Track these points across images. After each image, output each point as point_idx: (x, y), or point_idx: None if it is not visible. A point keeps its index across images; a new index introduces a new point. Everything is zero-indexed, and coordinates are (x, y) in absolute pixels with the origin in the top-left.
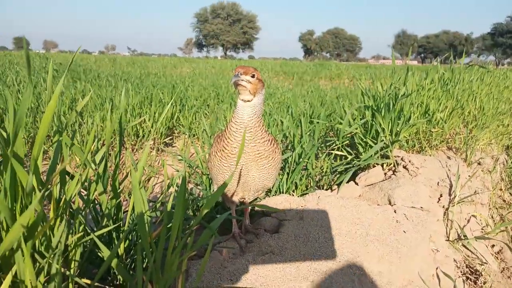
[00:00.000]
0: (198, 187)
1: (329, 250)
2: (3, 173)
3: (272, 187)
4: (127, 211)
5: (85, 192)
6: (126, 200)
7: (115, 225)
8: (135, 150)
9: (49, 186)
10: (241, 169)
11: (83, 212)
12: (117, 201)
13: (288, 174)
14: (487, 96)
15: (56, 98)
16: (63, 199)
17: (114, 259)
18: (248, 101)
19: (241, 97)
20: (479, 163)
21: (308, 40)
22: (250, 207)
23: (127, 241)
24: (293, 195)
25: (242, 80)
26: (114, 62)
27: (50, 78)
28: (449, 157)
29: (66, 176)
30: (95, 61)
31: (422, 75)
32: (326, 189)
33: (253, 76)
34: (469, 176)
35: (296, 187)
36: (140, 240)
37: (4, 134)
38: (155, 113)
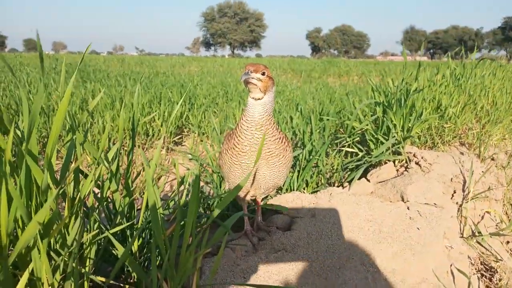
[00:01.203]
0: (209, 185)
1: (342, 247)
2: (18, 171)
3: (283, 185)
4: (139, 209)
5: (98, 190)
6: (137, 198)
7: (129, 223)
8: (145, 149)
9: (63, 185)
10: (251, 167)
11: (97, 210)
12: (131, 199)
13: (298, 171)
14: (499, 91)
15: (68, 95)
16: (77, 197)
17: (128, 257)
18: (259, 99)
19: (252, 95)
20: (492, 159)
21: (315, 38)
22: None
23: (141, 239)
24: (304, 193)
25: (252, 78)
26: (123, 62)
27: (62, 78)
28: (462, 153)
29: (80, 175)
30: (104, 61)
31: (433, 70)
32: (337, 186)
33: (263, 74)
34: (482, 171)
35: (307, 185)
36: (153, 238)
37: (18, 132)
38: (164, 112)
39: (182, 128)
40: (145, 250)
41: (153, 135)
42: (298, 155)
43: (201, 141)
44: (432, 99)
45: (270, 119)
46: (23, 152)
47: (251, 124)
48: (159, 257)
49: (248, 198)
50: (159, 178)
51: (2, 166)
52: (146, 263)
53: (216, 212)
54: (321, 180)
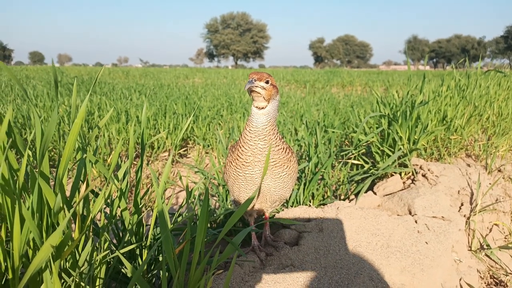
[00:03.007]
0: (214, 197)
1: (350, 262)
2: (29, 193)
3: (290, 198)
4: (147, 224)
5: (106, 206)
6: (143, 210)
7: (139, 242)
8: (150, 162)
9: (73, 204)
10: (256, 179)
11: (106, 228)
12: (140, 217)
13: (305, 184)
14: (505, 101)
15: (82, 117)
16: (89, 219)
17: (139, 279)
18: (263, 108)
19: (256, 104)
20: (499, 170)
21: (318, 48)
22: (269, 217)
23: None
24: (310, 206)
25: (256, 86)
26: (128, 74)
27: (74, 98)
28: (468, 165)
29: (89, 193)
30: (109, 74)
31: (437, 81)
32: (343, 199)
33: (267, 82)
34: (490, 184)
35: (313, 197)
36: (163, 258)
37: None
38: (169, 124)
39: (187, 140)
40: (153, 266)
41: (158, 148)
42: (304, 168)
43: (206, 153)
44: (437, 111)
45: (274, 129)
46: (36, 175)
47: (254, 134)
48: (168, 272)
49: (254, 212)
50: (164, 191)
51: (16, 190)
52: (154, 280)
53: (224, 231)
54: (327, 193)
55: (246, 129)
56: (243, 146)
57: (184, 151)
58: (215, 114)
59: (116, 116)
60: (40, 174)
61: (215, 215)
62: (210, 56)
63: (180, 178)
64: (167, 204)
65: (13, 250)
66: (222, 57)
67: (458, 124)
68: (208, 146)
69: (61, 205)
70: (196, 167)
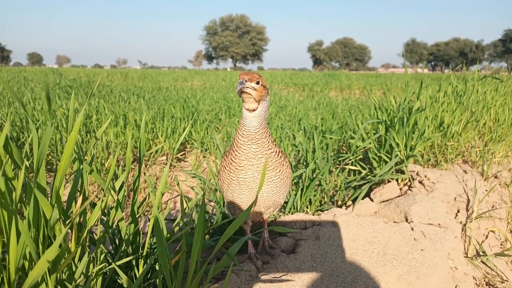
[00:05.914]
0: (211, 203)
1: (346, 270)
2: (26, 203)
3: (287, 204)
4: (144, 233)
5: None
6: (140, 216)
7: (135, 254)
8: (148, 166)
9: (69, 214)
10: (249, 183)
11: (103, 239)
12: (136, 227)
13: (302, 190)
14: (502, 107)
15: (77, 129)
16: (85, 231)
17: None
18: (254, 110)
19: (246, 105)
20: (496, 177)
21: (317, 50)
22: (267, 222)
23: (145, 264)
24: (307, 212)
25: (247, 87)
26: (126, 76)
27: (72, 112)
28: (465, 171)
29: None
30: (107, 76)
31: (435, 86)
32: (341, 205)
33: (257, 83)
34: (486, 190)
35: (311, 203)
36: (159, 268)
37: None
38: (167, 128)
39: (185, 144)
40: (149, 275)
41: (156, 152)
42: (301, 174)
43: (204, 157)
44: (434, 117)
45: (266, 131)
46: (32, 186)
47: (247, 138)
48: (164, 281)
49: (249, 220)
50: (162, 195)
51: (13, 204)
52: None
53: (221, 243)
54: (324, 199)
55: (238, 133)
56: (236, 151)
57: (182, 155)
58: (214, 118)
59: (114, 119)
60: (36, 186)
61: (212, 221)
62: (209, 58)
63: (178, 183)
64: (164, 209)
65: (9, 265)
66: (221, 59)
67: (455, 130)
68: (206, 150)
69: (58, 217)
70: (193, 173)
